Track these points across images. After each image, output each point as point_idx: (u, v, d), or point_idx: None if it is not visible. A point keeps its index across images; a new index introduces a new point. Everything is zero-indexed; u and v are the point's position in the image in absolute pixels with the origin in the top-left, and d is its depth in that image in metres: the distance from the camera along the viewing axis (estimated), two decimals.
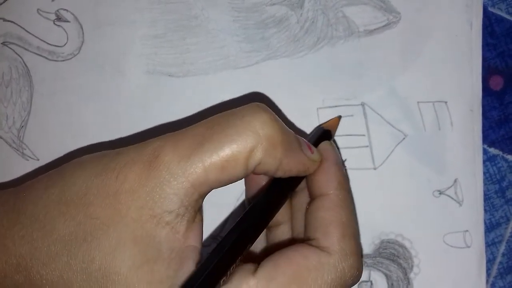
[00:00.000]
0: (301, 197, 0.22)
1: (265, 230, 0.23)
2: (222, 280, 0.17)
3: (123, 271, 0.17)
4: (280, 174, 0.19)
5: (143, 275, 0.17)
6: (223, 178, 0.18)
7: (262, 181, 0.22)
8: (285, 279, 0.18)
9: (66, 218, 0.17)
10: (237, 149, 0.17)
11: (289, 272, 0.18)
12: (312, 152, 0.20)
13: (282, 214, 0.23)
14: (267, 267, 0.18)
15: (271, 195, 0.20)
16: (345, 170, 0.24)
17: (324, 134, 0.23)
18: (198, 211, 0.18)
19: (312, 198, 0.21)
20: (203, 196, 0.18)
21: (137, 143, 0.19)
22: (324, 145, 0.22)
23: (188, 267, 0.17)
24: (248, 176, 0.21)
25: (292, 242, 0.21)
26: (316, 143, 0.22)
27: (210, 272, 0.17)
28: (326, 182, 0.21)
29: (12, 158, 0.27)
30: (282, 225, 0.23)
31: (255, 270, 0.18)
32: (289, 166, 0.19)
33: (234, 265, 0.18)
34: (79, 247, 0.17)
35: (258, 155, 0.18)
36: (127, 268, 0.17)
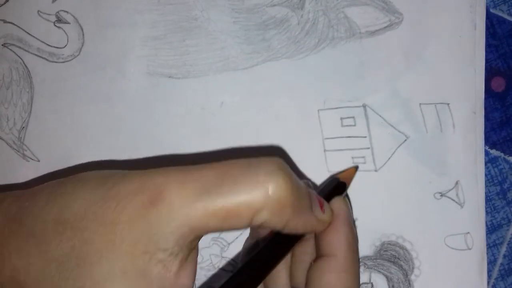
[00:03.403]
0: (305, 248, 0.21)
1: None
2: None
3: None
4: (286, 231, 0.18)
5: None
6: (223, 227, 0.17)
7: (264, 230, 0.21)
8: None
9: (62, 239, 0.17)
10: (244, 205, 0.16)
11: None
12: (323, 212, 0.19)
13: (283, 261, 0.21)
14: None
15: (272, 248, 0.19)
16: (356, 229, 0.23)
17: (338, 186, 0.22)
18: (192, 250, 0.17)
19: (318, 255, 0.20)
20: (199, 237, 0.17)
21: (143, 170, 0.18)
22: (338, 202, 0.21)
23: None
24: None
25: None
26: (328, 196, 0.21)
27: None
28: (335, 243, 0.20)
29: (12, 159, 0.27)
30: (281, 271, 0.22)
31: None
32: (296, 226, 0.18)
33: None
34: (71, 271, 0.16)
35: (264, 215, 0.17)
36: None
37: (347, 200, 0.21)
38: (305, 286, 0.20)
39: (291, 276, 0.22)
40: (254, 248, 0.22)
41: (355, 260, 0.20)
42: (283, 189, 0.17)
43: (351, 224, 0.21)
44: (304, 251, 0.21)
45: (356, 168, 0.25)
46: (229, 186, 0.16)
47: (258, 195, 0.16)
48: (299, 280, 0.21)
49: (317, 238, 0.20)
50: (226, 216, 0.16)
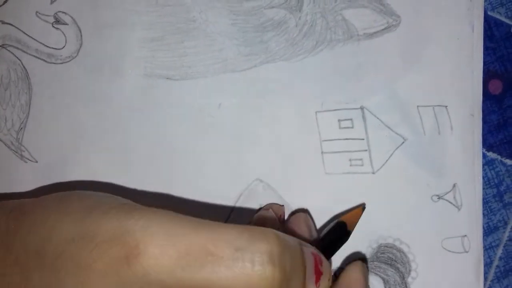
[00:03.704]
0: None
1: None
2: None
3: None
4: None
5: None
6: None
7: None
8: None
9: (42, 274, 0.17)
10: (225, 286, 0.15)
11: None
12: (318, 286, 0.18)
13: None
14: None
15: None
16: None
17: (342, 228, 0.21)
18: None
19: None
20: None
21: (126, 210, 0.17)
22: (354, 271, 0.20)
23: None
24: None
25: None
26: (331, 244, 0.20)
27: None
28: None
29: (10, 160, 0.27)
30: None
31: None
32: None
33: None
34: None
35: None
36: None
37: (364, 265, 0.20)
38: None
39: None
40: None
41: None
42: (270, 284, 0.16)
43: None
44: None
45: (363, 208, 0.23)
46: (212, 267, 0.15)
47: (242, 279, 0.15)
48: None
49: None
50: None
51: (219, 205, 0.26)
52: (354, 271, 0.20)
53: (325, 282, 0.18)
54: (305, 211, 0.26)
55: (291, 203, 0.26)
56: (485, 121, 0.27)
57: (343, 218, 0.22)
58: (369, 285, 0.20)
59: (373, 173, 0.26)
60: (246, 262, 0.15)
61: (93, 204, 0.17)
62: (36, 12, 0.27)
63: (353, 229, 0.22)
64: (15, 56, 0.27)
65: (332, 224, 0.22)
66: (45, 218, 0.18)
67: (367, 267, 0.22)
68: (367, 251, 0.26)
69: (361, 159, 0.26)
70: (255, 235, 0.16)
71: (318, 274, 0.18)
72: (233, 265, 0.15)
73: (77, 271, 0.16)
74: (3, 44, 0.27)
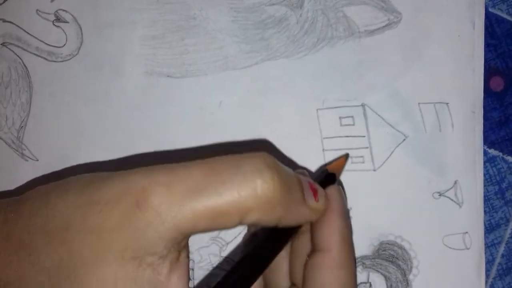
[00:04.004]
0: (302, 241, 0.21)
1: None
2: None
3: None
4: (278, 226, 0.18)
5: None
6: (212, 227, 0.16)
7: None
8: None
9: (50, 250, 0.16)
10: (232, 206, 0.16)
11: None
12: (317, 200, 0.19)
13: (281, 255, 0.21)
14: None
15: (268, 242, 0.19)
16: (350, 220, 0.23)
17: (329, 177, 0.21)
18: (182, 250, 0.17)
19: (314, 250, 0.20)
20: (188, 238, 0.17)
21: (126, 171, 0.17)
22: (331, 191, 0.20)
23: None
24: None
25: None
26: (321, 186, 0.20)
27: None
28: (328, 237, 0.19)
29: (11, 158, 0.27)
30: (280, 260, 0.21)
31: None
32: (288, 222, 0.18)
33: None
34: (63, 281, 0.16)
35: (254, 215, 0.16)
36: None
37: (341, 189, 0.21)
38: (302, 283, 0.20)
39: (290, 271, 0.21)
40: (252, 239, 0.22)
41: (350, 255, 0.19)
42: (272, 186, 0.16)
43: (345, 216, 0.20)
44: (302, 245, 0.21)
45: (346, 157, 0.24)
46: (216, 186, 0.16)
47: (246, 195, 0.16)
48: (298, 276, 0.20)
49: (312, 232, 0.20)
50: (215, 217, 0.16)
51: None
52: (329, 188, 0.20)
53: (322, 199, 0.19)
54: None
55: None
56: (486, 118, 0.27)
57: (329, 167, 0.22)
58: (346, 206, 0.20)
59: (374, 170, 0.26)
60: (246, 173, 0.16)
61: (91, 177, 0.18)
62: (37, 10, 0.27)
63: (339, 176, 0.22)
64: (16, 54, 0.27)
65: (319, 173, 0.22)
66: (45, 201, 0.17)
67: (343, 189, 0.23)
68: (368, 249, 0.26)
69: (362, 157, 0.26)
70: (249, 155, 0.17)
71: (314, 191, 0.19)
72: (234, 179, 0.16)
73: (88, 236, 0.16)
74: (3, 42, 0.27)
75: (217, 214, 0.16)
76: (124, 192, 0.16)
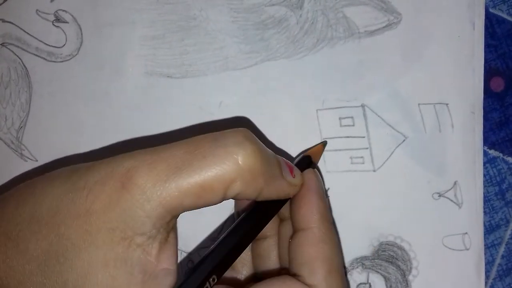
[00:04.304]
0: (286, 227, 0.22)
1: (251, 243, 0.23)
2: None
3: None
4: (260, 199, 0.19)
5: None
6: (199, 204, 0.17)
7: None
8: None
9: (38, 237, 0.17)
10: (216, 179, 0.17)
11: None
12: (294, 176, 0.20)
13: (269, 228, 0.22)
14: None
15: (252, 217, 0.20)
16: (328, 199, 0.24)
17: (306, 160, 0.22)
18: (170, 231, 0.17)
19: (295, 230, 0.20)
20: (176, 217, 0.17)
21: (109, 158, 0.18)
22: (308, 173, 0.21)
23: None
24: None
25: (279, 271, 0.21)
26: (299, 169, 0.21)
27: None
28: (308, 215, 0.20)
29: (10, 159, 0.27)
30: (268, 239, 0.22)
31: None
32: (269, 193, 0.18)
33: (208, 285, 0.17)
34: (53, 268, 0.16)
35: (237, 186, 0.17)
36: None
37: (317, 172, 0.22)
38: (288, 263, 0.20)
39: (279, 258, 0.22)
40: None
41: (330, 230, 0.20)
42: (253, 158, 0.17)
43: (322, 195, 0.21)
44: (287, 231, 0.21)
45: (324, 143, 0.25)
46: (199, 161, 0.16)
47: (229, 167, 0.17)
48: (286, 258, 0.21)
49: (292, 215, 0.21)
50: (200, 192, 0.16)
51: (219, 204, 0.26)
52: (306, 171, 0.21)
53: (298, 175, 0.20)
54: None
55: None
56: (486, 119, 0.27)
57: (308, 153, 0.23)
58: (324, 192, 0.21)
59: (374, 171, 0.26)
60: (227, 147, 0.17)
61: (76, 167, 0.18)
62: (37, 10, 0.27)
63: (316, 161, 0.23)
64: (16, 54, 0.27)
65: (298, 158, 0.23)
66: (31, 192, 0.18)
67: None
68: (368, 249, 0.26)
69: (362, 157, 0.26)
70: (229, 130, 0.18)
71: (291, 168, 0.20)
72: (216, 153, 0.17)
73: (77, 220, 0.16)
74: (3, 43, 0.27)
75: (202, 189, 0.16)
76: (109, 175, 0.17)
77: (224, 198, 0.17)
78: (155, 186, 0.16)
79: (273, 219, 0.21)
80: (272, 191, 0.18)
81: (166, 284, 0.17)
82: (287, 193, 0.20)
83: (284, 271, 0.20)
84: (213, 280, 0.18)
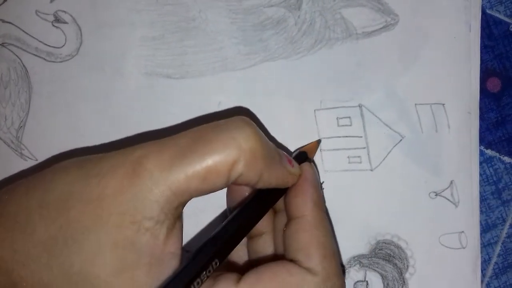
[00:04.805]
0: (281, 218, 0.22)
1: (246, 241, 0.23)
2: (193, 286, 0.17)
3: (103, 276, 0.17)
4: (260, 185, 0.19)
5: (123, 281, 0.17)
6: (204, 188, 0.18)
7: (244, 192, 0.22)
8: None
9: (47, 221, 0.17)
10: (220, 161, 0.17)
11: (272, 286, 0.18)
12: (292, 166, 0.21)
13: (264, 225, 0.23)
14: (250, 279, 0.18)
15: (253, 205, 0.20)
16: (323, 191, 0.24)
17: (303, 156, 0.23)
18: (178, 218, 0.18)
19: (289, 219, 0.21)
20: (183, 204, 0.18)
21: (121, 149, 0.18)
22: (304, 166, 0.22)
23: (168, 274, 0.17)
24: (229, 186, 0.21)
25: (274, 257, 0.21)
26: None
27: (179, 279, 0.17)
28: (302, 203, 0.21)
29: (10, 158, 0.27)
30: (264, 235, 0.23)
31: (239, 281, 0.18)
32: (269, 178, 0.19)
33: (206, 273, 0.18)
34: (60, 250, 0.17)
35: (240, 168, 0.18)
36: (107, 273, 0.17)
37: (313, 165, 0.23)
38: (284, 250, 0.21)
39: (275, 248, 0.22)
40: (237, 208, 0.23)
41: (324, 218, 0.21)
42: (253, 140, 0.18)
43: (317, 186, 0.21)
44: (282, 222, 0.22)
45: (318, 141, 0.26)
46: (203, 146, 0.17)
47: (232, 149, 0.17)
48: (282, 250, 0.21)
49: (287, 203, 0.21)
50: (205, 176, 0.17)
51: (218, 204, 0.26)
52: (303, 164, 0.22)
53: (297, 166, 0.21)
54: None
55: None
56: (483, 119, 0.27)
57: (303, 149, 0.24)
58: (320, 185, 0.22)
59: (371, 170, 0.27)
60: (230, 131, 0.18)
61: (88, 157, 0.19)
62: (36, 10, 0.27)
63: (312, 157, 0.24)
64: (15, 54, 0.27)
65: (294, 153, 0.24)
66: (41, 179, 0.18)
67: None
68: (365, 247, 0.27)
69: (359, 157, 0.27)
70: (231, 118, 0.19)
71: (289, 159, 0.21)
72: (219, 138, 0.18)
73: (89, 204, 0.17)
74: (3, 43, 0.27)
75: (207, 172, 0.17)
76: (121, 163, 0.17)
77: (228, 181, 0.18)
78: (162, 171, 0.17)
79: (267, 215, 0.22)
80: (272, 177, 0.19)
81: (171, 267, 0.18)
82: (286, 181, 0.20)
83: (281, 258, 0.21)
84: (216, 263, 0.18)
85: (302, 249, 0.20)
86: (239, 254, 0.23)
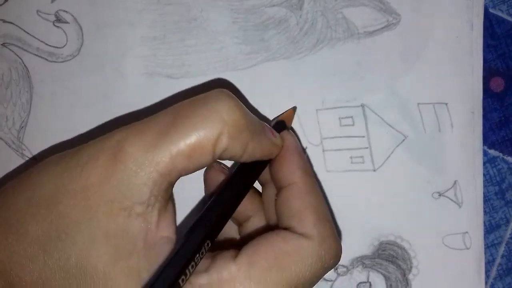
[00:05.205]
0: (269, 190, 0.22)
1: (237, 228, 0.23)
2: (188, 270, 0.17)
3: (100, 266, 0.17)
4: (245, 158, 0.19)
5: (120, 269, 0.17)
6: (191, 166, 0.17)
7: (220, 177, 0.22)
8: (266, 263, 0.18)
9: (38, 219, 0.17)
10: (204, 136, 0.17)
11: (270, 256, 0.18)
12: (275, 137, 0.21)
13: (251, 208, 0.23)
14: (247, 252, 0.18)
15: (237, 181, 0.20)
16: (307, 157, 0.24)
17: (281, 124, 0.23)
18: (168, 199, 0.18)
19: (279, 189, 0.21)
20: (172, 184, 0.18)
21: (98, 137, 0.18)
22: (284, 134, 0.22)
23: (163, 258, 0.17)
24: (205, 174, 0.21)
25: (268, 229, 0.21)
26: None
27: (173, 264, 0.17)
28: (290, 172, 0.20)
29: (11, 158, 0.27)
30: (252, 218, 0.23)
31: (236, 256, 0.18)
32: (254, 150, 0.19)
33: (199, 255, 0.18)
34: (55, 246, 0.17)
35: (224, 141, 0.17)
36: (104, 263, 0.17)
37: (293, 132, 0.22)
38: (277, 219, 0.21)
39: (267, 221, 0.22)
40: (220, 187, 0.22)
41: (314, 183, 0.21)
42: (236, 112, 0.18)
43: (301, 152, 0.21)
44: (270, 195, 0.22)
45: (294, 108, 0.25)
46: (184, 123, 0.17)
47: (214, 123, 0.17)
48: (274, 222, 0.21)
49: (274, 174, 0.21)
50: (190, 152, 0.17)
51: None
52: (283, 133, 0.22)
53: (279, 137, 0.21)
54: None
55: None
56: (486, 118, 0.27)
57: (280, 118, 0.24)
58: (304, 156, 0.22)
59: (374, 170, 0.27)
60: (210, 105, 0.17)
61: (67, 151, 0.19)
62: (37, 10, 0.27)
63: (289, 124, 0.24)
64: (16, 54, 0.27)
65: (272, 123, 0.23)
66: (27, 178, 0.18)
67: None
68: (368, 248, 0.27)
69: (362, 157, 0.27)
70: (210, 91, 0.18)
71: (271, 130, 0.20)
72: (200, 112, 0.17)
73: (75, 197, 0.17)
74: (4, 43, 0.27)
75: (191, 148, 0.17)
76: (101, 149, 0.17)
77: (214, 157, 0.18)
78: (146, 152, 0.17)
79: (251, 197, 0.22)
80: (257, 149, 0.19)
81: (166, 251, 0.17)
82: (271, 152, 0.20)
83: (274, 228, 0.21)
84: (208, 244, 0.18)
85: (295, 215, 0.20)
86: (232, 234, 0.23)
